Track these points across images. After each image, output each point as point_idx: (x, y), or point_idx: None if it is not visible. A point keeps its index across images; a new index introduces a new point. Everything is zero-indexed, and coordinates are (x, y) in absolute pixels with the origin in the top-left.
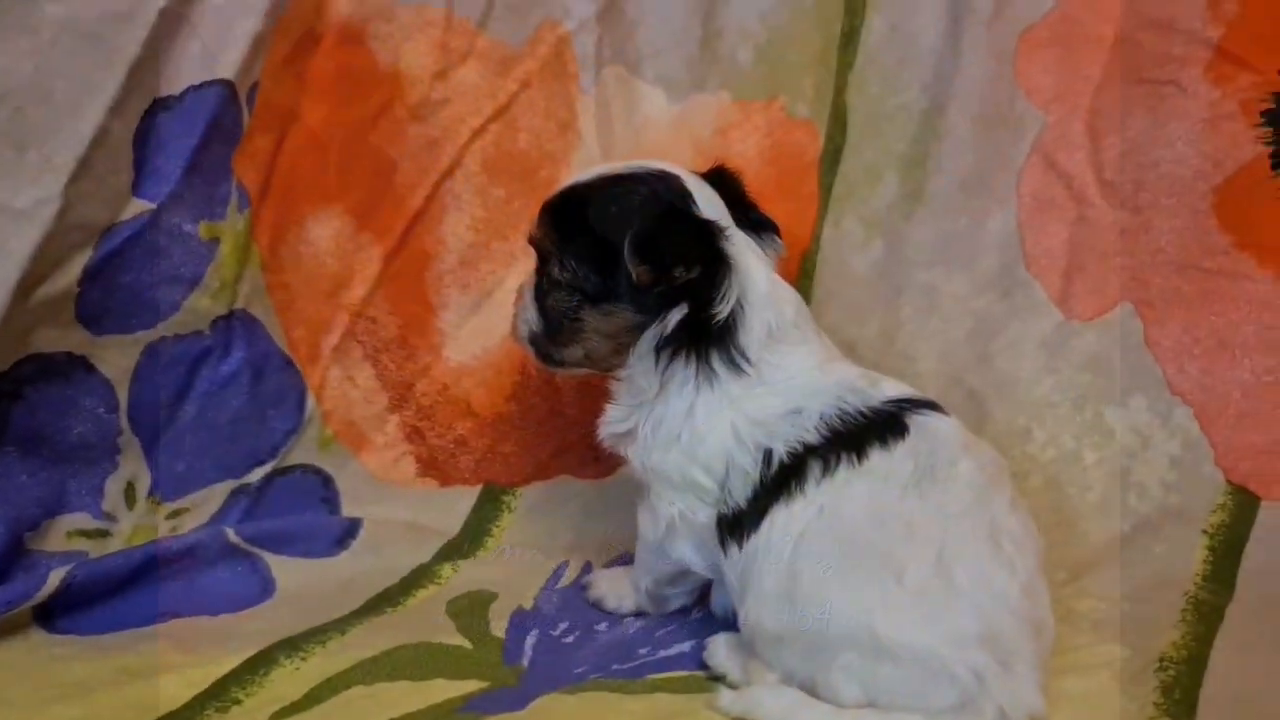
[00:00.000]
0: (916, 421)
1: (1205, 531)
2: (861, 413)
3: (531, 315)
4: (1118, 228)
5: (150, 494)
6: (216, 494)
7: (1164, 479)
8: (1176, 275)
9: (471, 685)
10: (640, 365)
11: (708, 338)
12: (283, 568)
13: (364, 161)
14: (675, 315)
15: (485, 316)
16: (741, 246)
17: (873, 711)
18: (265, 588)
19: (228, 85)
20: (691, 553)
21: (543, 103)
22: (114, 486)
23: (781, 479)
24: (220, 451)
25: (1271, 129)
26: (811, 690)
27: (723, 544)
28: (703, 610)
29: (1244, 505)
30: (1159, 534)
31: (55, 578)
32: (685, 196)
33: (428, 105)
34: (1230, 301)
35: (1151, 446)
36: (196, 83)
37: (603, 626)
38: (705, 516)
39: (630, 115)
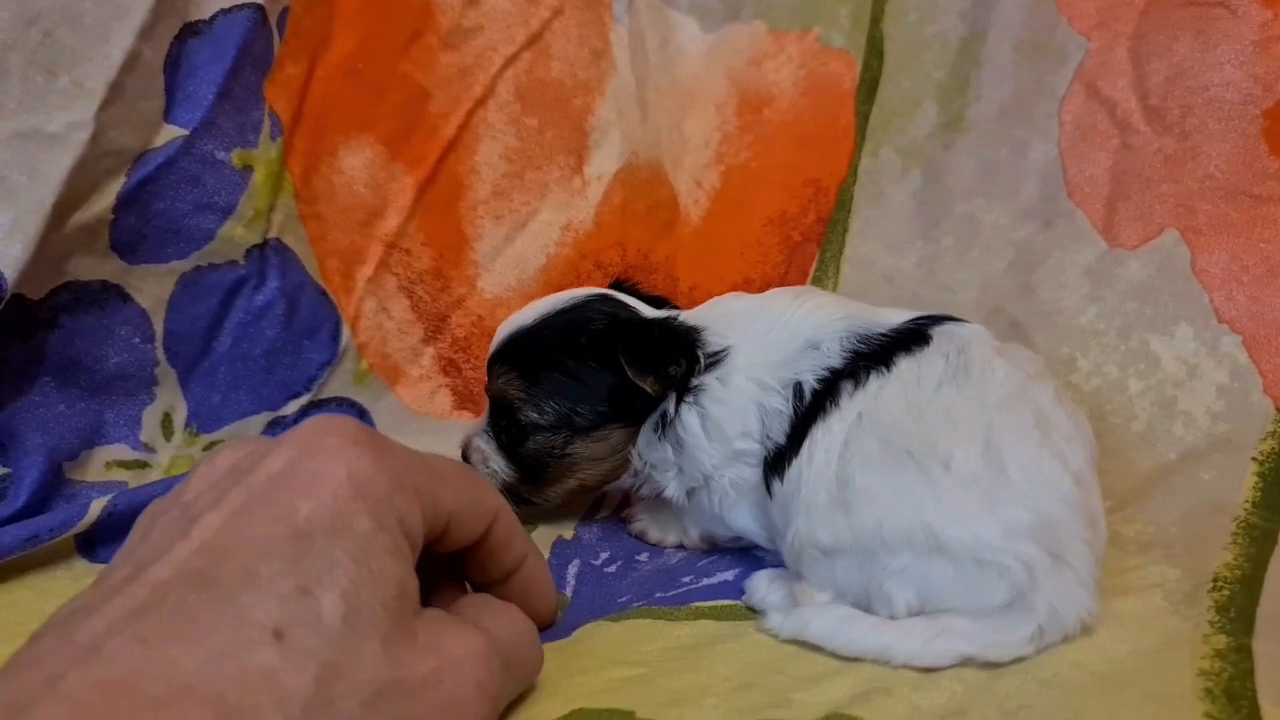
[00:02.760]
0: (939, 330)
1: (1255, 459)
2: (881, 333)
3: (500, 466)
4: (1163, 154)
5: (187, 425)
6: (253, 426)
7: (1211, 408)
8: (1224, 201)
9: None
10: (648, 456)
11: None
12: None
13: (396, 90)
14: (669, 404)
15: (519, 247)
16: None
17: (923, 620)
18: None
19: (258, 9)
20: (749, 520)
21: (576, 30)
22: (151, 418)
23: (815, 404)
24: (256, 383)
25: None
26: (864, 604)
27: (768, 486)
28: None
29: None
30: (1207, 462)
31: (97, 507)
32: (627, 307)
33: (459, 33)
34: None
35: (1199, 375)
36: (226, 7)
37: (644, 556)
38: (753, 474)
39: (663, 45)
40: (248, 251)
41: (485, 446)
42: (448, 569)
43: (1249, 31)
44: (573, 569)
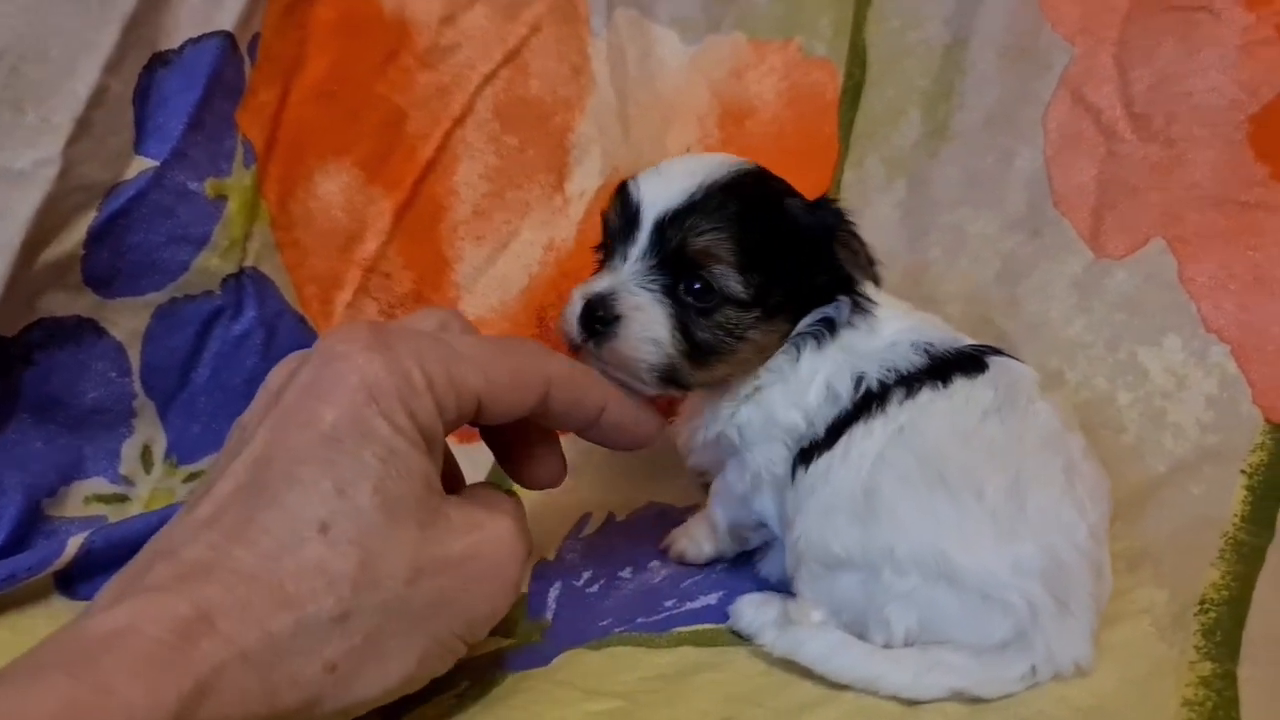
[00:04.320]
0: (996, 361)
1: (1244, 471)
2: (948, 350)
3: (662, 335)
4: (1149, 162)
5: (167, 457)
6: None
7: (1200, 419)
8: (1212, 209)
9: (495, 643)
10: (772, 364)
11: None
12: None
13: (372, 112)
14: (837, 309)
15: (501, 268)
16: None
17: (916, 652)
18: None
19: (227, 37)
20: (771, 505)
21: (554, 47)
22: (130, 450)
23: (864, 402)
24: (236, 412)
25: None
26: (859, 627)
27: (793, 473)
28: (728, 562)
29: None
30: (1196, 475)
31: (74, 544)
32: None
33: (436, 51)
34: (1268, 235)
35: (1187, 386)
36: (195, 35)
37: (627, 573)
38: (783, 466)
39: (644, 58)
40: (224, 281)
41: (651, 308)
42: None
43: (1232, 35)
44: (554, 592)
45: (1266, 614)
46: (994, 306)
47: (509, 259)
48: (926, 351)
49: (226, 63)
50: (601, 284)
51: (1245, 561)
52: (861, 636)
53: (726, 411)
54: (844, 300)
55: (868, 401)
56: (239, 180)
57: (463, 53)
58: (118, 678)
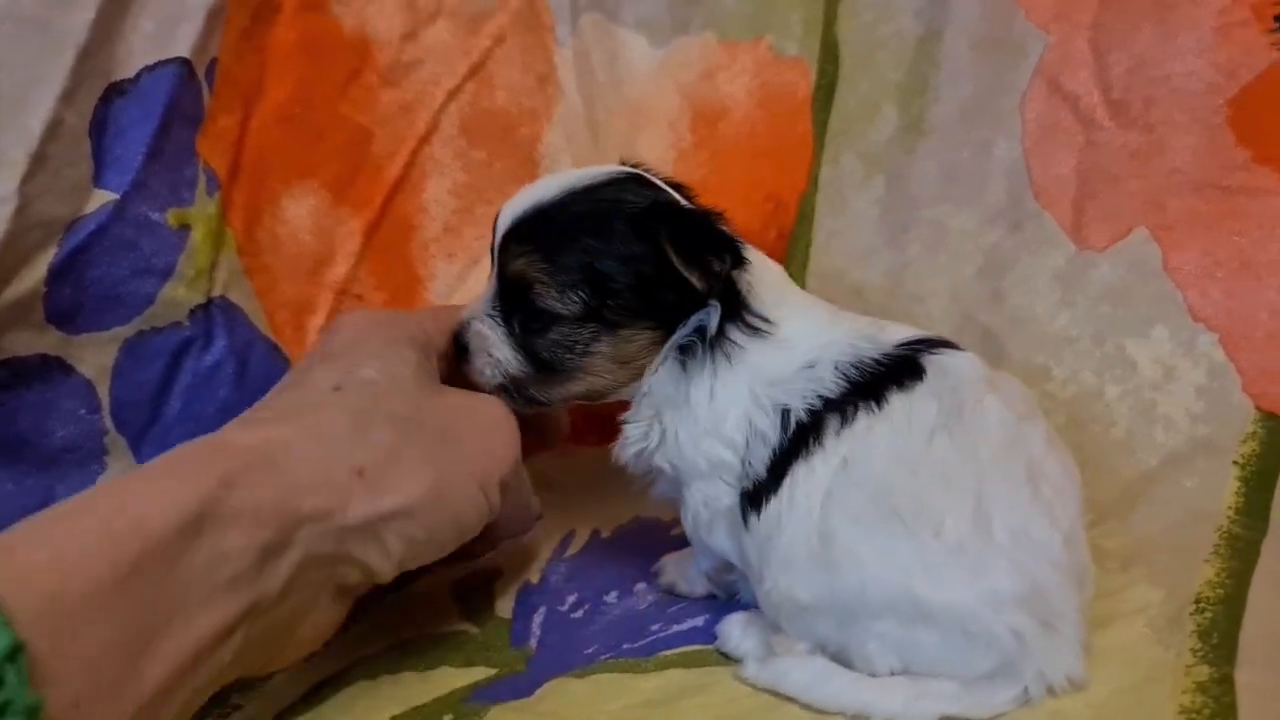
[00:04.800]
0: (933, 362)
1: (1236, 463)
2: (876, 360)
3: (506, 356)
4: (1128, 150)
5: None
6: None
7: (1191, 410)
8: (1194, 195)
9: (479, 673)
10: (659, 374)
11: (726, 318)
12: None
13: (336, 133)
14: (708, 315)
15: (474, 285)
16: None
17: (905, 680)
18: None
19: (184, 64)
20: (726, 541)
21: (519, 57)
22: None
23: (799, 437)
24: None
25: None
26: (843, 659)
27: (744, 519)
28: None
29: (1275, 433)
30: (1188, 467)
31: None
32: (658, 189)
33: (399, 68)
34: (1252, 219)
35: (1176, 377)
36: (150, 63)
37: (612, 597)
38: (729, 499)
39: (612, 64)
40: (192, 312)
41: (489, 333)
42: None
43: (1209, 17)
44: (538, 617)
45: (1263, 614)
46: (977, 303)
47: (481, 275)
48: (854, 368)
49: (184, 90)
50: (466, 311)
51: (1240, 557)
52: (848, 666)
53: (635, 437)
54: (712, 305)
55: (802, 435)
56: (202, 209)
57: (426, 68)
58: (162, 473)
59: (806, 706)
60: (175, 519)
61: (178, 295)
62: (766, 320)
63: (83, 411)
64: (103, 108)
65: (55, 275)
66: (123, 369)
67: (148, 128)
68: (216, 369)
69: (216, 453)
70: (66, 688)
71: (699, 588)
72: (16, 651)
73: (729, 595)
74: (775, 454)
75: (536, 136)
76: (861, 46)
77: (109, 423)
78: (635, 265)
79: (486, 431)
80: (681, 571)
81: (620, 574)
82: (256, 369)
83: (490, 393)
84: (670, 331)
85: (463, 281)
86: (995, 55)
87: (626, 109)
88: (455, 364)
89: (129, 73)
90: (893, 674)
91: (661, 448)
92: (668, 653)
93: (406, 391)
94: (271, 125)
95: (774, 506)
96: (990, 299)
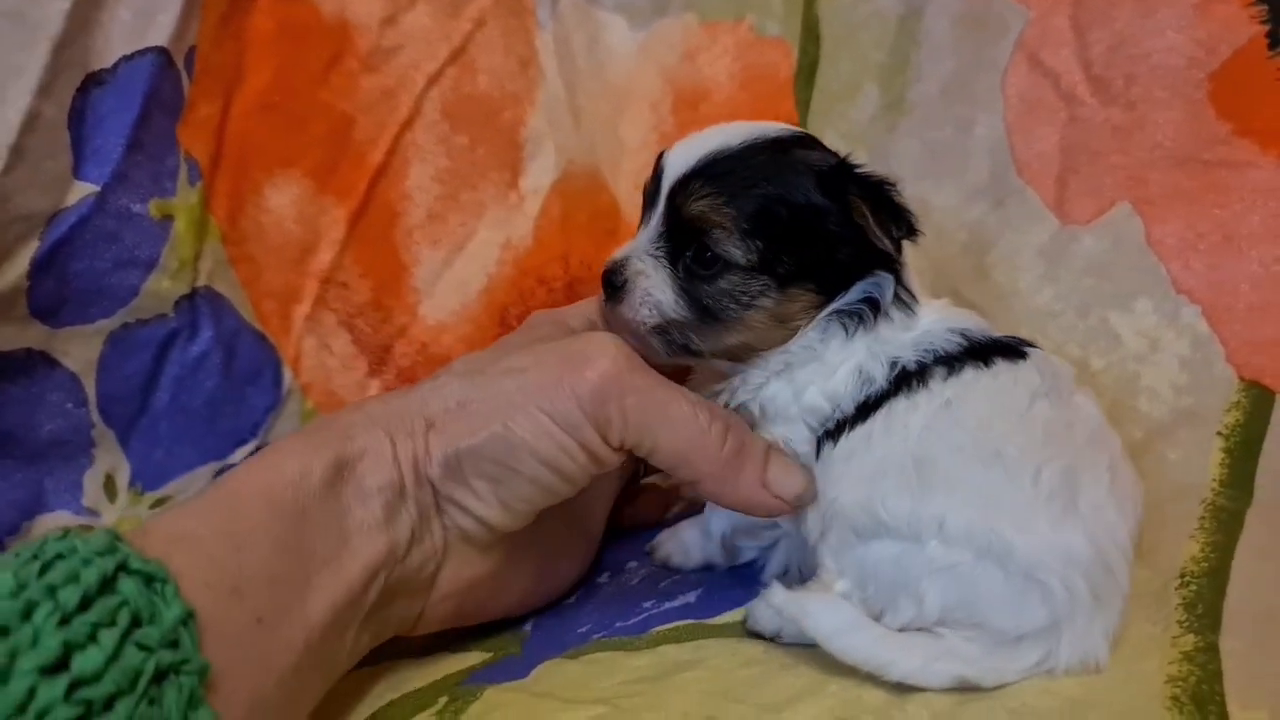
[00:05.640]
0: (1035, 352)
1: (1220, 433)
2: (986, 338)
3: (666, 299)
4: (1110, 125)
5: (131, 485)
6: (200, 478)
7: (1175, 381)
8: (1176, 170)
9: (474, 658)
10: (804, 340)
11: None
12: None
13: (318, 120)
14: (878, 285)
15: (459, 270)
16: None
17: (926, 638)
18: None
19: (162, 52)
20: None
21: (500, 41)
22: (93, 481)
23: (901, 380)
24: (199, 434)
25: (1267, 6)
26: (883, 601)
27: (818, 451)
28: None
29: (1259, 402)
30: (1173, 439)
31: None
32: (836, 154)
33: (379, 54)
34: (1234, 192)
35: (1160, 349)
36: (128, 53)
37: (604, 578)
38: (805, 445)
39: (592, 47)
40: (176, 303)
41: (652, 272)
42: None
43: None
44: None
45: (1247, 582)
46: (962, 278)
47: (466, 260)
48: (964, 336)
49: (163, 79)
50: (621, 250)
51: (1224, 530)
52: (883, 611)
53: (755, 382)
54: (884, 276)
55: (906, 379)
56: (185, 199)
57: (406, 53)
58: (284, 446)
59: (801, 671)
60: (320, 468)
61: (162, 287)
62: (915, 299)
63: (69, 405)
64: (81, 99)
65: (38, 269)
66: (108, 362)
67: (127, 118)
68: (203, 359)
69: (321, 422)
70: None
71: (696, 556)
72: (189, 617)
73: (730, 562)
74: (871, 397)
75: (520, 120)
76: (842, 25)
77: (96, 416)
78: (820, 221)
79: (566, 360)
80: (679, 541)
81: (612, 554)
82: (243, 359)
83: (641, 336)
84: (829, 297)
85: (448, 267)
86: (976, 32)
87: (608, 92)
88: (602, 305)
89: (107, 62)
90: (941, 614)
91: (762, 391)
92: (661, 628)
93: (501, 348)
94: (252, 113)
95: (863, 430)
96: (975, 275)
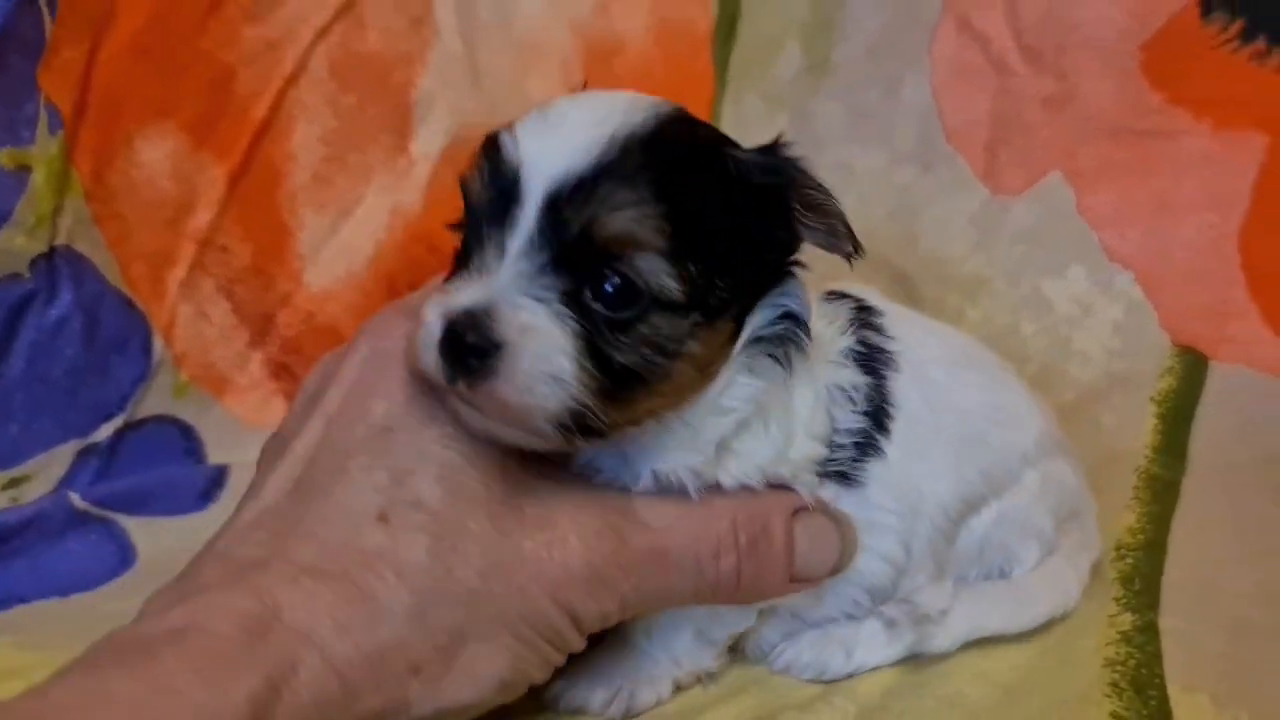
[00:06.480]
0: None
1: (1154, 399)
2: (844, 292)
3: (565, 367)
4: (1041, 96)
5: None
6: (61, 456)
7: (1107, 345)
8: (1108, 141)
9: None
10: (736, 382)
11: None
12: (143, 531)
13: (196, 70)
14: (791, 294)
15: (346, 237)
16: None
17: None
18: (124, 557)
19: None
20: None
21: None
22: None
23: (867, 361)
24: (60, 408)
25: None
26: (1002, 559)
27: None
28: None
29: (1192, 367)
30: (1106, 403)
31: None
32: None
33: (264, 3)
34: (1168, 160)
35: (1093, 314)
36: None
37: None
38: (814, 490)
39: (497, 1)
40: (33, 263)
41: (548, 329)
42: None
43: None
44: None
45: (1184, 557)
46: (889, 244)
47: (354, 227)
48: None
49: (20, 17)
50: (470, 294)
51: (1160, 500)
52: (1010, 567)
53: (690, 460)
54: (791, 281)
55: (872, 367)
56: (44, 149)
57: (292, 4)
58: (181, 677)
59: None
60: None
61: (16, 244)
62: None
63: None
64: None
65: None
66: None
67: None
68: (62, 325)
69: (254, 640)
70: None
71: (645, 694)
72: None
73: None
74: (870, 387)
75: (410, 81)
76: None
77: None
78: (758, 228)
79: (564, 582)
80: (625, 679)
81: None
82: (108, 325)
83: (532, 427)
84: (740, 325)
85: (334, 233)
86: None
87: (513, 49)
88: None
89: None
90: (1056, 525)
91: (735, 472)
92: None
93: (476, 536)
94: (123, 58)
95: (903, 420)
96: (904, 242)
